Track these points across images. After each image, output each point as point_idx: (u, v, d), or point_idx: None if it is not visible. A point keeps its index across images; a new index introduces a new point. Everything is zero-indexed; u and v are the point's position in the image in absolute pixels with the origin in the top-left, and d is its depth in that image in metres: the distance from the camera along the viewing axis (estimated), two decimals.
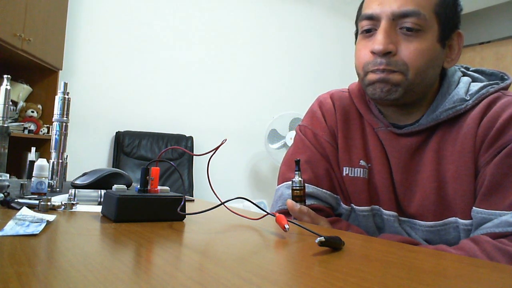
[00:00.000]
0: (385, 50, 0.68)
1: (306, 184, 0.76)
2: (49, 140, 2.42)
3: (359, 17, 0.76)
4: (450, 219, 0.70)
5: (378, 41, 0.69)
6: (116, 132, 2.99)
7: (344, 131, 0.80)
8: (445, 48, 0.72)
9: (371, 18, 0.71)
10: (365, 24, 0.72)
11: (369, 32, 0.72)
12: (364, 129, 0.80)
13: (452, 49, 0.74)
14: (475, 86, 0.73)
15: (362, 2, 0.77)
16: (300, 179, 0.71)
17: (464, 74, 0.79)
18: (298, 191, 0.71)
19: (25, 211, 0.53)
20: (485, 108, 0.69)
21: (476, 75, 0.78)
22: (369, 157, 0.78)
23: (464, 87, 0.73)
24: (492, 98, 0.70)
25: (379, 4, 0.70)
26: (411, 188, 0.74)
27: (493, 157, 0.66)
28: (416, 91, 0.71)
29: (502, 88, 0.72)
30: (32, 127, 2.45)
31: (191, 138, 3.20)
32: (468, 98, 0.71)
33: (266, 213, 0.60)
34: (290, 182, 0.73)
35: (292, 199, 0.71)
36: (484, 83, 0.73)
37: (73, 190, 0.69)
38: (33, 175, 0.73)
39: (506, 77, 0.75)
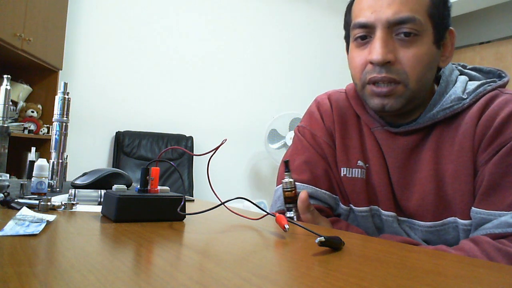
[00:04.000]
0: (384, 60, 0.66)
1: (305, 185, 0.76)
2: (49, 140, 2.42)
3: (349, 23, 0.74)
4: (449, 219, 0.70)
5: (377, 51, 0.66)
6: (116, 132, 2.99)
7: (341, 131, 0.80)
8: (440, 49, 0.71)
9: (365, 26, 0.69)
10: (358, 32, 0.70)
11: (363, 40, 0.70)
12: (362, 129, 0.79)
13: (446, 47, 0.73)
14: (473, 85, 0.72)
15: (350, 6, 0.75)
16: (290, 180, 0.69)
17: (461, 73, 0.78)
18: (289, 193, 0.69)
19: (25, 211, 0.53)
20: (483, 107, 0.68)
21: (473, 73, 0.78)
22: (367, 157, 0.77)
23: (461, 86, 0.72)
24: (490, 97, 0.69)
25: (372, 12, 0.68)
26: (409, 188, 0.73)
27: (491, 156, 0.65)
28: (417, 98, 0.70)
29: (499, 86, 0.71)
30: (32, 127, 2.45)
31: (191, 138, 3.20)
32: (465, 97, 0.70)
33: (266, 213, 0.60)
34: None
35: (284, 201, 0.70)
36: (482, 81, 0.73)
37: (73, 190, 0.69)
38: (33, 175, 0.73)
39: (503, 74, 0.74)
